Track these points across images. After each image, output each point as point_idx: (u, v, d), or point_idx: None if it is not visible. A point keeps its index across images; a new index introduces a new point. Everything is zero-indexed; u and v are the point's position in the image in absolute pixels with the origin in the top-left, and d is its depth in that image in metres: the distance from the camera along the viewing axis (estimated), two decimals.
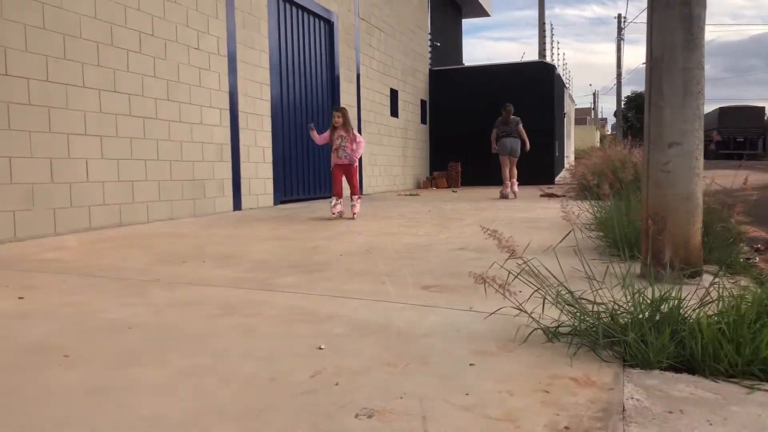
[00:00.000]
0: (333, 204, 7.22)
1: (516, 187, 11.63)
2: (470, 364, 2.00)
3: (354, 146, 7.18)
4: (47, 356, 2.10)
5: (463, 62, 22.46)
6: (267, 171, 9.24)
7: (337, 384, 1.83)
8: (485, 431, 1.51)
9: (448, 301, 2.87)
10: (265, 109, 9.16)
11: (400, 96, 15.00)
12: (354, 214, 7.16)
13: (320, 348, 2.16)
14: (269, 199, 9.30)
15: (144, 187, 6.71)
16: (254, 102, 8.87)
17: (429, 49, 17.40)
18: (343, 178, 7.34)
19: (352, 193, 7.33)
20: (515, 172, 11.72)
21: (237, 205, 8.43)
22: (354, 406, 1.66)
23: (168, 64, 7.04)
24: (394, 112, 14.69)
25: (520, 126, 11.51)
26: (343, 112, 7.22)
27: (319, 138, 7.35)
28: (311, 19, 10.81)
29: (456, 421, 1.57)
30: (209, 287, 3.27)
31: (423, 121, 16.92)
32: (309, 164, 10.70)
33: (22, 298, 3.01)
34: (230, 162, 8.27)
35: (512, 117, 11.53)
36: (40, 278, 3.53)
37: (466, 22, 25.79)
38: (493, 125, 11.88)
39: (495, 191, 12.89)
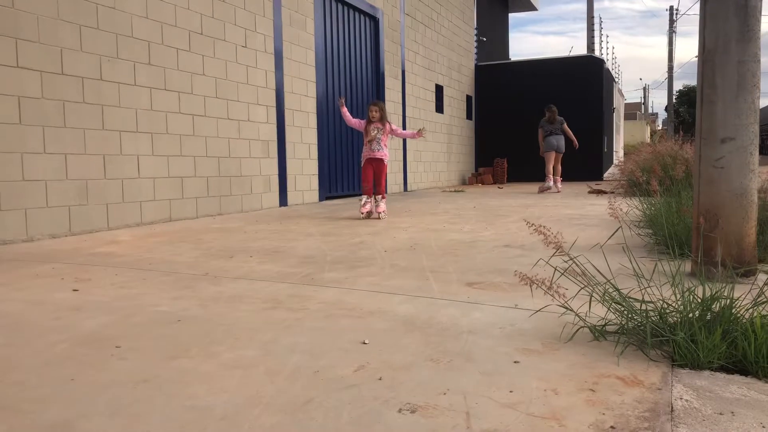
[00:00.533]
0: (363, 203, 6.78)
1: (560, 184, 11.77)
2: (515, 362, 1.98)
3: (390, 138, 6.87)
4: (100, 347, 2.17)
5: (510, 57, 22.25)
6: (312, 167, 9.32)
7: (380, 379, 1.84)
8: (530, 429, 1.50)
9: (492, 298, 2.85)
10: (310, 105, 9.24)
11: (446, 92, 14.93)
12: (379, 213, 6.71)
13: (364, 343, 2.18)
14: (314, 195, 9.38)
15: (193, 183, 6.85)
16: (300, 99, 8.96)
17: (475, 44, 17.27)
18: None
19: (377, 192, 6.77)
20: (559, 168, 11.89)
21: (283, 201, 8.53)
22: (397, 401, 1.67)
23: (216, 62, 7.16)
24: (439, 108, 14.64)
25: (565, 125, 11.74)
26: (380, 107, 6.81)
27: (351, 119, 6.95)
28: (357, 15, 10.85)
29: (500, 417, 1.56)
30: (256, 281, 3.32)
31: (468, 116, 16.81)
32: (353, 160, 10.75)
33: (76, 290, 3.11)
34: (276, 158, 8.37)
35: (557, 117, 11.74)
36: (94, 271, 3.65)
37: (513, 17, 25.54)
38: (538, 126, 12.10)
39: None
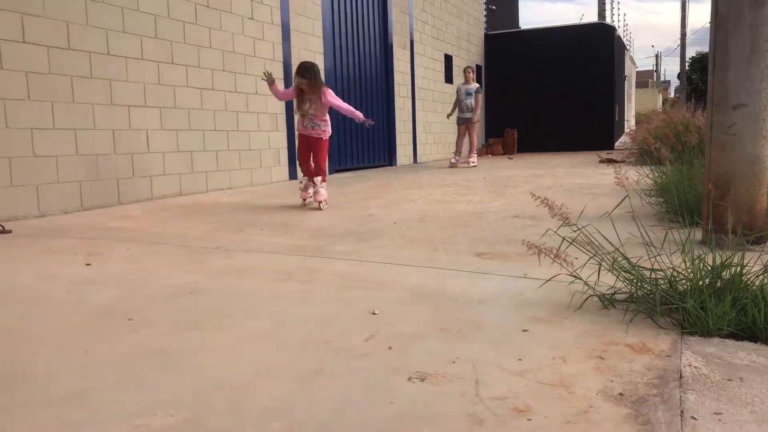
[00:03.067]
0: (302, 187, 5.58)
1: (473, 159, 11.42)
2: (524, 330, 1.99)
3: (325, 112, 5.49)
4: (113, 320, 2.20)
5: (519, 26, 21.96)
6: None
7: (390, 348, 1.85)
8: (538, 396, 1.51)
9: (501, 268, 2.86)
10: None
11: (455, 62, 14.78)
12: (319, 202, 5.32)
13: (374, 313, 2.19)
14: None
15: (203, 157, 6.85)
16: None
17: (484, 13, 17.05)
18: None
19: (316, 174, 5.44)
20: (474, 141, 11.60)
21: (292, 174, 8.53)
22: (407, 370, 1.69)
23: (223, 35, 7.12)
24: (449, 78, 14.51)
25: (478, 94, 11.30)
26: (311, 72, 5.31)
27: (279, 92, 5.61)
28: None
29: (509, 385, 1.58)
30: (266, 254, 3.34)
31: None
32: (362, 133, 10.71)
33: (89, 264, 3.14)
34: (285, 132, 8.35)
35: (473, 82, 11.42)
36: (106, 246, 3.68)
37: None
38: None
39: (554, 158, 12.66)
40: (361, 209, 5.18)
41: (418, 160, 12.80)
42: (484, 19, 17.05)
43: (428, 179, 8.29)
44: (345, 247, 3.49)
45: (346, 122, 10.15)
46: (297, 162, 5.72)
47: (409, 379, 1.63)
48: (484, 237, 3.70)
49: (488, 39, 17.10)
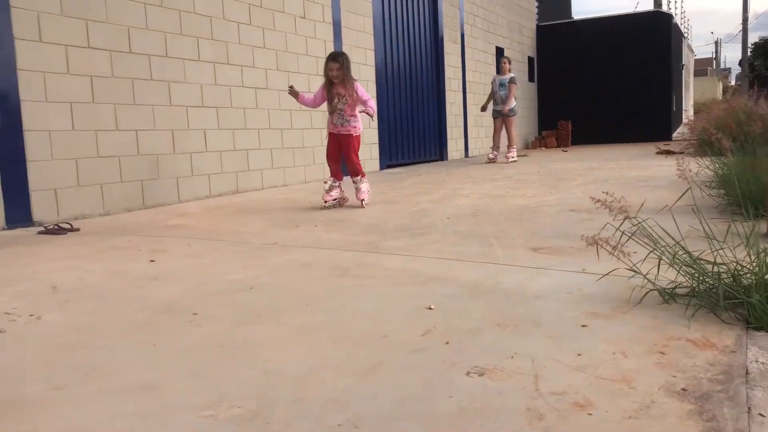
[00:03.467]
0: (327, 188, 5.24)
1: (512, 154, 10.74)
2: (582, 326, 1.98)
3: (358, 109, 5.24)
4: (178, 315, 2.28)
5: (572, 16, 21.56)
6: (372, 136, 9.34)
7: (447, 343, 1.87)
8: (599, 391, 1.50)
9: (558, 263, 2.83)
10: (369, 74, 9.23)
11: (506, 54, 14.63)
12: (362, 201, 5.21)
13: (430, 308, 2.21)
14: (375, 164, 9.42)
15: (258, 155, 6.98)
16: (359, 68, 8.95)
17: (536, 4, 16.81)
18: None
19: (353, 173, 5.26)
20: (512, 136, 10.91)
21: (344, 170, 8.60)
22: (465, 365, 1.70)
23: (276, 35, 7.23)
24: (500, 71, 14.36)
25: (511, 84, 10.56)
26: (342, 61, 5.12)
27: (308, 99, 5.36)
28: None
29: (568, 380, 1.57)
30: (322, 250, 3.39)
31: (531, 79, 16.45)
32: (414, 127, 10.72)
33: (153, 261, 3.25)
34: None
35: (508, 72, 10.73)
36: (168, 243, 3.80)
37: None
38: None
39: (609, 150, 12.41)
40: (414, 204, 5.20)
41: (470, 155, 12.74)
42: (536, 11, 16.82)
43: (480, 173, 8.25)
44: (398, 242, 3.52)
45: (397, 118, 10.18)
46: (326, 161, 5.45)
47: (468, 373, 1.64)
48: (540, 231, 3.67)
49: (540, 30, 16.86)
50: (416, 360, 1.75)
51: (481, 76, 13.24)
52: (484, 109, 11.00)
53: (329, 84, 5.14)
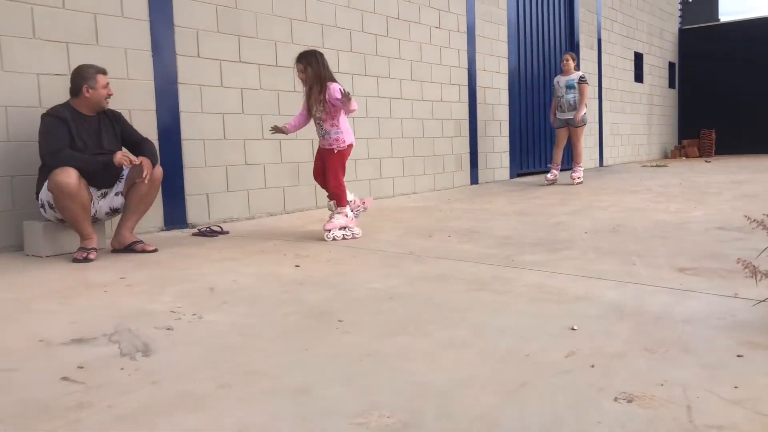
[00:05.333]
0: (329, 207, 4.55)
1: (577, 173, 8.62)
2: (738, 355, 1.89)
3: (336, 115, 4.34)
4: (325, 320, 2.40)
5: (719, 18, 20.27)
6: (503, 144, 9.28)
7: (593, 366, 1.85)
8: (761, 428, 1.44)
9: (708, 286, 2.70)
10: (502, 82, 9.17)
11: (645, 59, 14.01)
12: (327, 230, 4.32)
13: (573, 329, 2.19)
14: (505, 172, 9.34)
15: (390, 164, 7.15)
16: (492, 76, 8.93)
17: (679, 6, 15.96)
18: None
19: (331, 197, 4.46)
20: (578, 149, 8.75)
21: (474, 178, 8.60)
22: (612, 390, 1.68)
23: (411, 46, 7.37)
24: (639, 78, 13.79)
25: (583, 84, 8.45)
26: (307, 62, 4.31)
27: (294, 123, 4.54)
28: None
29: (725, 414, 1.51)
30: (457, 261, 3.43)
31: (671, 85, 15.65)
32: (545, 136, 10.52)
33: (298, 266, 3.43)
34: (468, 137, 8.45)
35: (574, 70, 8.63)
36: (310, 248, 3.99)
37: None
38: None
39: (758, 161, 11.55)
40: (548, 216, 5.11)
41: (604, 163, 12.31)
42: (679, 14, 15.97)
43: (618, 184, 7.96)
44: (535, 257, 3.49)
45: (529, 126, 10.03)
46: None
47: (615, 399, 1.62)
48: (686, 250, 3.50)
49: (683, 34, 16.00)
50: (562, 382, 1.75)
51: (618, 82, 12.77)
52: (554, 122, 8.67)
53: (308, 90, 4.37)
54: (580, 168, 8.55)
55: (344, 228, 4.36)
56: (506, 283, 2.91)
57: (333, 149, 4.38)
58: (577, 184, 8.33)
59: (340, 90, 4.23)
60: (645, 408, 1.57)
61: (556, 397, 1.65)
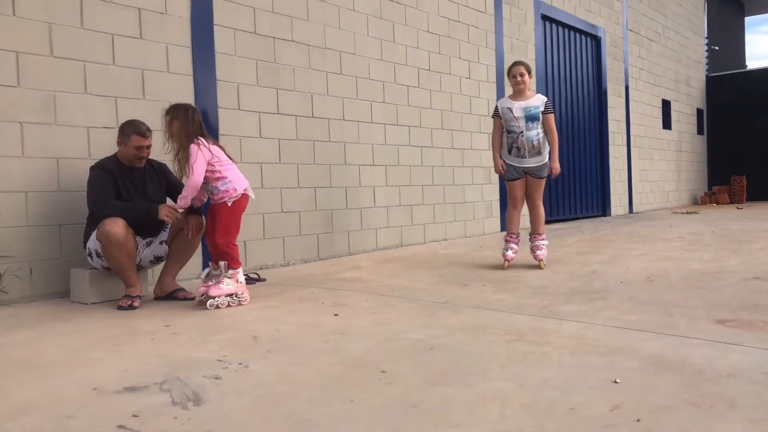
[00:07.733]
0: (204, 276, 3.98)
1: (539, 248, 5.31)
2: None
3: (216, 170, 3.84)
4: (368, 371, 2.44)
5: (746, 64, 20.30)
6: None
7: (638, 420, 1.86)
8: None
9: (750, 338, 2.70)
10: None
11: (673, 106, 14.06)
12: (201, 294, 3.85)
13: (615, 381, 2.21)
14: None
15: (421, 210, 7.23)
16: None
17: (706, 54, 16.05)
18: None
19: (216, 258, 3.91)
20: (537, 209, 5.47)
21: (503, 225, 8.63)
22: None
23: (442, 96, 7.52)
24: (667, 124, 13.82)
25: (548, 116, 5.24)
26: (171, 117, 3.84)
27: (187, 195, 3.86)
28: (577, 36, 10.70)
29: None
30: (494, 311, 3.46)
31: (699, 131, 15.64)
32: (575, 182, 10.54)
33: (337, 315, 3.49)
34: (498, 184, 8.52)
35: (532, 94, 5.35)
36: (347, 296, 4.05)
37: (749, 20, 23.29)
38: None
39: None
40: (582, 265, 5.12)
41: (634, 210, 12.26)
42: (706, 61, 16.04)
43: (649, 231, 7.93)
44: (572, 307, 3.51)
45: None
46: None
47: None
48: (724, 301, 3.50)
49: (710, 81, 16.05)
50: None
51: (647, 129, 12.81)
52: (502, 169, 5.25)
53: (176, 153, 3.86)
54: (544, 242, 5.31)
55: (231, 295, 3.87)
56: (544, 334, 2.93)
57: (225, 202, 3.87)
58: (541, 261, 5.22)
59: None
60: None
61: None
